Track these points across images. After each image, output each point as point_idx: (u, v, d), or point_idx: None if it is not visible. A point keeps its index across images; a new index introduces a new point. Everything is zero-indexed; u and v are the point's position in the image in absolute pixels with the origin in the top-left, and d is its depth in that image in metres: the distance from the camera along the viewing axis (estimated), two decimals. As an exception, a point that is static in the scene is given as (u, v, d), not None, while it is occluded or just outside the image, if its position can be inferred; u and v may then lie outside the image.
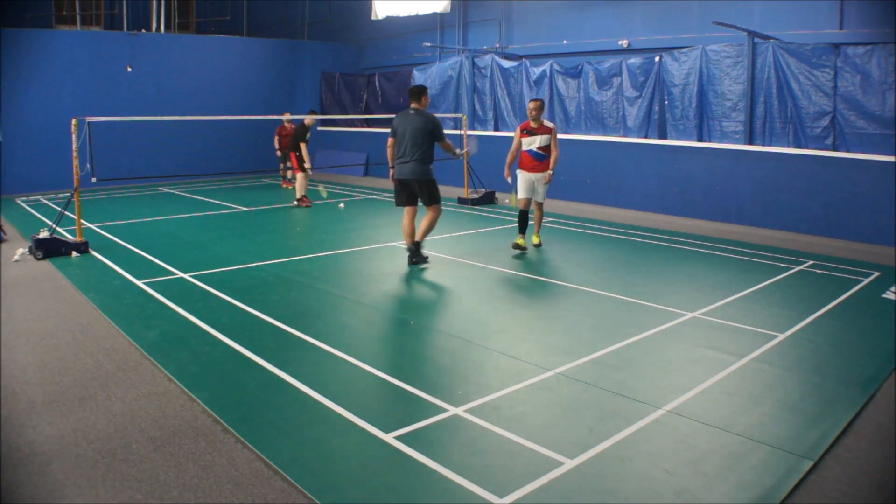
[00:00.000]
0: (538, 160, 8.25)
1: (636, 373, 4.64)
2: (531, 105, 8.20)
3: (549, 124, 8.29)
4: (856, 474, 3.43)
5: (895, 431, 3.90)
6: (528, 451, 3.54)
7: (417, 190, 7.51)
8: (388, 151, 7.62)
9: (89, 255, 8.21)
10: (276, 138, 14.57)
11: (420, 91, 7.49)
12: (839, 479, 3.36)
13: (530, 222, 8.51)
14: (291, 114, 14.71)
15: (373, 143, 17.85)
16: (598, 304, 6.34)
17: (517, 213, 8.50)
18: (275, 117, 16.16)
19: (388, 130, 7.66)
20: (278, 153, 14.65)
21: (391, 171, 7.63)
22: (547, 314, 6.10)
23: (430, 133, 7.34)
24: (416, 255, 7.61)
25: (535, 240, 8.65)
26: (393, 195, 7.93)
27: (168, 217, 11.20)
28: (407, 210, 7.61)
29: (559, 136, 13.47)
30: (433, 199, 7.54)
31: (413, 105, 7.48)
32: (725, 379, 4.53)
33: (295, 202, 12.29)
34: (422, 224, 7.58)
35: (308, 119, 12.47)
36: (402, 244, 8.90)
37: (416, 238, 7.58)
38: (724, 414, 4.01)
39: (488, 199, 12.55)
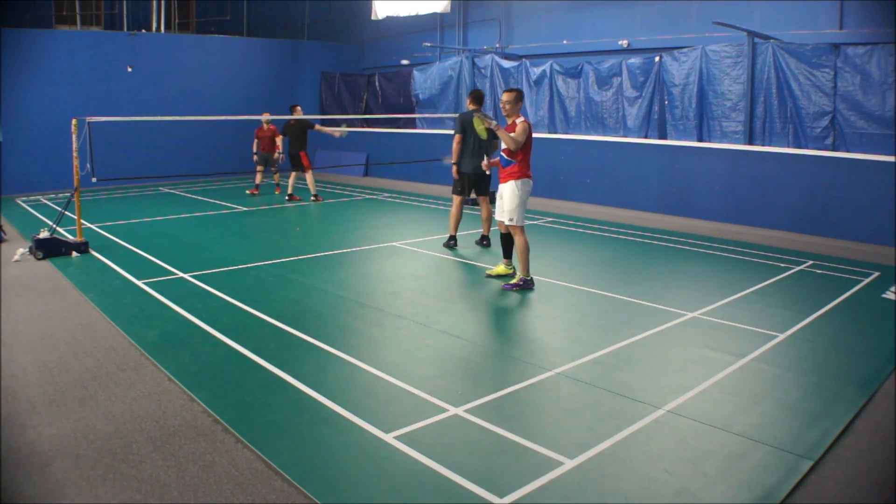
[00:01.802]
0: (503, 166, 6.69)
1: (636, 373, 4.63)
2: (503, 97, 6.69)
3: (520, 120, 6.58)
4: (856, 474, 3.43)
5: (895, 431, 3.90)
6: (528, 451, 3.54)
7: (480, 182, 8.43)
8: (456, 147, 8.37)
9: (89, 255, 8.20)
10: (256, 141, 13.66)
11: (482, 95, 8.51)
12: (839, 479, 3.36)
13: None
14: (271, 113, 14.43)
15: (373, 143, 17.86)
16: (598, 304, 6.34)
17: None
18: (275, 117, 16.16)
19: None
20: (255, 157, 13.78)
21: (455, 167, 8.43)
22: (547, 314, 6.10)
23: (493, 132, 8.07)
24: (486, 241, 8.74)
25: (500, 269, 7.02)
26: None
27: (168, 217, 11.19)
28: (461, 200, 8.51)
29: (561, 136, 13.57)
30: (487, 191, 8.61)
31: (475, 107, 8.32)
32: (725, 379, 4.53)
33: (287, 198, 12.77)
34: (486, 218, 8.67)
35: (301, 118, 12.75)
36: (402, 244, 8.91)
37: (485, 232, 8.74)
38: (724, 414, 4.01)
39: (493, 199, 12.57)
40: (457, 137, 8.34)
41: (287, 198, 12.77)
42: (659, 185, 11.95)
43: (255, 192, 13.70)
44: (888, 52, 9.34)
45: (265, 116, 13.14)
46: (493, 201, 8.55)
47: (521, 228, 6.61)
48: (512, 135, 6.47)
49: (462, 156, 8.35)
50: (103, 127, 10.68)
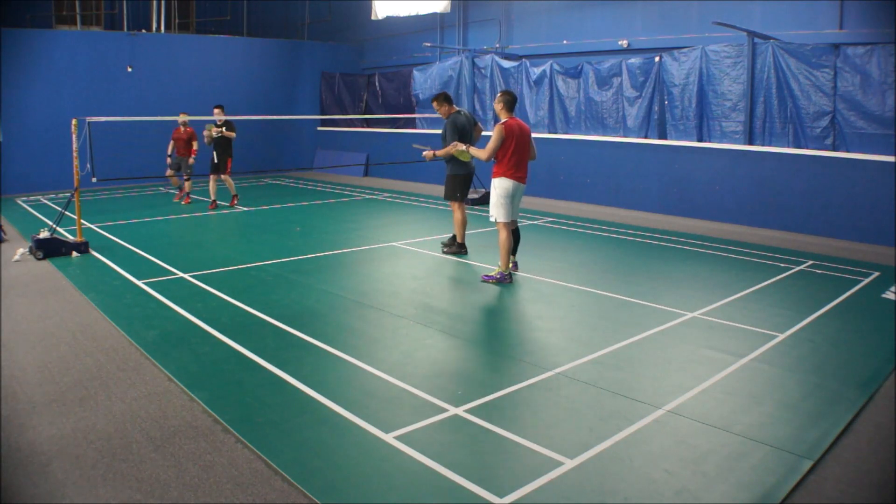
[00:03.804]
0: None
1: (636, 373, 4.64)
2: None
3: (502, 120, 6.91)
4: (856, 474, 3.43)
5: (895, 431, 3.91)
6: (528, 451, 3.54)
7: (468, 184, 8.34)
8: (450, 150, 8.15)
9: (89, 255, 8.21)
10: (172, 143, 12.57)
11: (449, 96, 8.33)
12: (839, 479, 3.36)
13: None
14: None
15: (373, 144, 17.86)
16: (598, 304, 6.34)
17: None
18: (275, 117, 16.16)
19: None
20: (169, 160, 12.68)
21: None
22: (547, 314, 6.10)
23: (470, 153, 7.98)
24: (463, 248, 8.42)
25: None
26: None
27: (168, 217, 11.19)
28: (460, 204, 8.22)
29: (561, 136, 13.58)
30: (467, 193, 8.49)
31: (456, 108, 8.22)
32: (725, 379, 4.53)
33: (215, 204, 12.06)
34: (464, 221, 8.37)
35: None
36: (402, 244, 8.91)
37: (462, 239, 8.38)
38: (724, 414, 4.01)
39: (488, 200, 12.57)
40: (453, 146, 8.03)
41: (232, 201, 12.21)
42: (659, 185, 11.95)
43: (185, 199, 12.69)
44: (888, 52, 9.34)
45: (182, 118, 12.04)
46: (489, 202, 8.60)
47: (504, 224, 6.89)
48: (482, 150, 6.98)
49: (453, 159, 8.07)
50: (103, 127, 10.69)
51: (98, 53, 15.51)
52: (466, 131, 8.05)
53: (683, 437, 3.72)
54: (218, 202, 12.18)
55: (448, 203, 8.50)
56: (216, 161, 11.91)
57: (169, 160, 12.75)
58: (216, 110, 11.99)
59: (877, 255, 8.55)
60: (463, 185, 8.22)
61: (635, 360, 4.86)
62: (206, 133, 11.84)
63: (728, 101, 11.17)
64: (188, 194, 12.84)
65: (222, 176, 11.99)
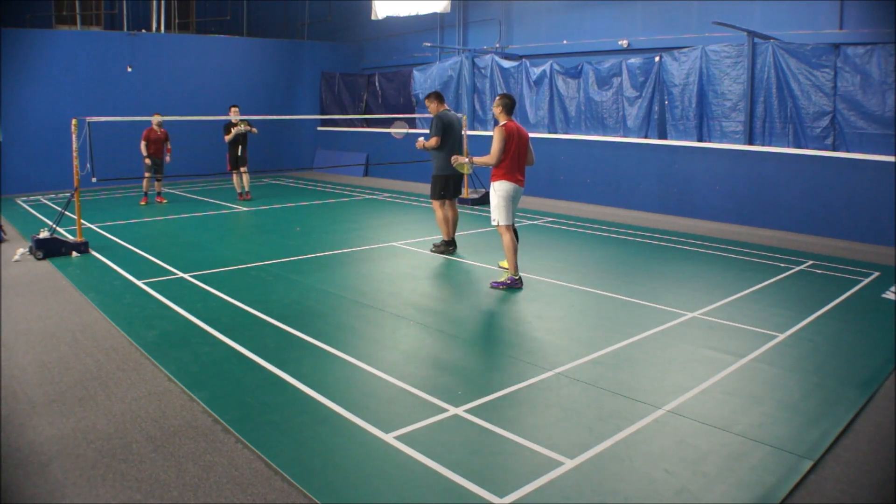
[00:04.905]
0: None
1: (636, 373, 4.64)
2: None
3: (501, 123, 6.76)
4: (856, 474, 3.43)
5: (895, 431, 3.91)
6: (528, 451, 3.54)
7: (457, 184, 8.35)
8: (434, 144, 8.12)
9: (89, 255, 8.21)
10: (144, 143, 12.18)
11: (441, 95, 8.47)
12: (839, 479, 3.36)
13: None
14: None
15: (373, 144, 17.86)
16: (598, 304, 6.34)
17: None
18: (275, 117, 16.16)
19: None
20: (147, 161, 12.30)
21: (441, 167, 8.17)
22: (547, 314, 6.10)
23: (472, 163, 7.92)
24: (454, 245, 8.45)
25: (504, 263, 7.22)
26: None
27: (168, 217, 11.19)
28: (441, 203, 8.23)
29: (561, 136, 13.58)
30: (458, 193, 8.47)
31: (446, 107, 8.38)
32: (725, 379, 4.53)
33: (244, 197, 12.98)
34: (453, 220, 8.34)
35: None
36: (402, 244, 8.91)
37: (453, 235, 8.40)
38: (724, 414, 4.01)
39: (488, 200, 12.56)
40: (435, 140, 8.01)
41: (246, 195, 12.99)
42: (659, 185, 11.95)
43: (153, 201, 12.71)
44: (888, 52, 9.34)
45: (157, 118, 11.77)
46: (488, 202, 8.57)
47: (506, 227, 6.77)
48: (487, 156, 6.76)
49: (441, 158, 8.04)
50: (103, 127, 10.68)
51: (98, 53, 15.51)
52: (455, 129, 8.16)
53: (683, 437, 3.72)
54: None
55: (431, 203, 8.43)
56: (240, 154, 12.71)
57: (148, 161, 12.34)
58: (233, 109, 12.66)
59: (877, 255, 8.55)
60: (448, 184, 8.19)
61: (635, 360, 4.86)
62: (235, 130, 12.48)
63: (728, 101, 11.17)
64: (145, 194, 12.74)
65: (242, 170, 12.79)
